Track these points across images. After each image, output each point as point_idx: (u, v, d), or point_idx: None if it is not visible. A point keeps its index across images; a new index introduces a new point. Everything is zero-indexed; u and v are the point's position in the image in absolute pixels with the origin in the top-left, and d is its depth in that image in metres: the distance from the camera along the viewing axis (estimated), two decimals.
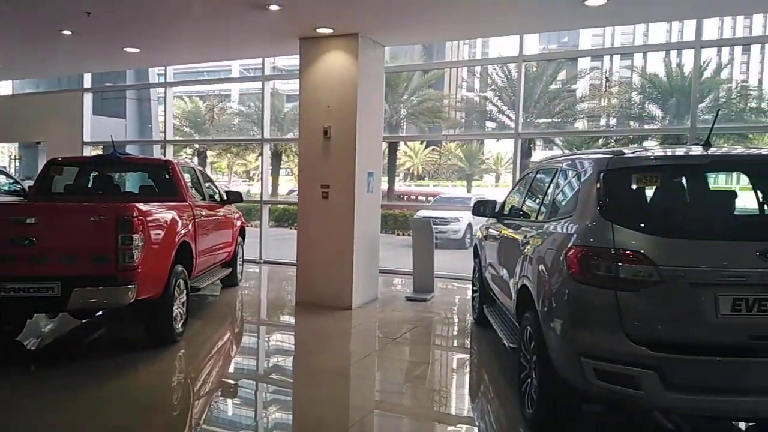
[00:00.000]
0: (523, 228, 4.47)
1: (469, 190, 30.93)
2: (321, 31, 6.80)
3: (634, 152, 3.50)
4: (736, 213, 3.48)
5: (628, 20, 8.15)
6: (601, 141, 23.04)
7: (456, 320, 6.58)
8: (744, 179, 3.69)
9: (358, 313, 6.72)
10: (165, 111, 11.83)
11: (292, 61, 8.04)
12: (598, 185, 3.31)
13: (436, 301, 7.38)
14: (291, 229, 19.64)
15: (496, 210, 5.57)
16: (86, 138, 12.74)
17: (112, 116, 14.73)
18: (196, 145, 26.22)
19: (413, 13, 6.24)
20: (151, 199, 5.67)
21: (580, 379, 3.03)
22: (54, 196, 6.05)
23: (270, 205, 10.99)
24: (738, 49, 32.25)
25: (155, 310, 5.03)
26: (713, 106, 19.55)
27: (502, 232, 5.09)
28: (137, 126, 15.59)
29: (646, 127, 21.87)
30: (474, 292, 6.38)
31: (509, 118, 23.89)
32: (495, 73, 23.69)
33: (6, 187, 8.82)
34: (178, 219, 5.46)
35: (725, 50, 25.71)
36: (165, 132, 11.71)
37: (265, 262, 10.33)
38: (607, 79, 23.89)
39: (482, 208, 5.69)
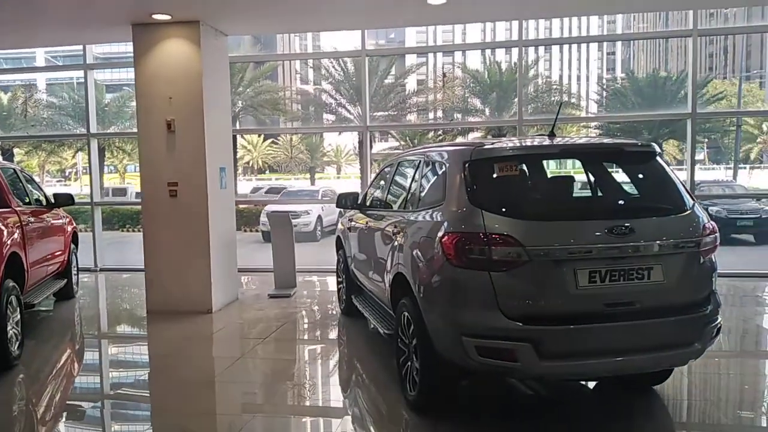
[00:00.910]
0: (390, 218, 4.61)
1: (312, 183, 31.01)
2: (157, 17, 6.31)
3: (492, 144, 3.78)
4: (588, 195, 3.94)
5: (464, 19, 8.75)
6: (431, 134, 24.58)
7: (323, 313, 6.59)
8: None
9: (219, 316, 6.41)
10: None
11: (113, 48, 7.38)
12: (464, 175, 3.53)
13: (300, 296, 7.31)
14: (123, 231, 18.14)
15: (359, 202, 5.67)
16: None
17: None
18: None
19: (252, 1, 6.07)
20: None
21: (463, 357, 3.22)
22: None
23: (101, 207, 9.96)
24: (541, 48, 36.14)
25: None
26: (529, 100, 21.86)
27: (368, 223, 5.19)
28: None
29: (473, 119, 23.75)
30: (339, 283, 6.44)
31: (348, 111, 24.40)
32: (332, 66, 23.97)
33: None
34: (3, 228, 4.74)
35: (531, 50, 28.64)
36: None
37: (101, 270, 9.38)
38: (445, 75, 25.44)
39: (345, 200, 5.76)
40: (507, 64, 24.38)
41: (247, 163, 35.82)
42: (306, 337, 5.98)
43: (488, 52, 25.79)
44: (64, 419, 4.09)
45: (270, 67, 26.32)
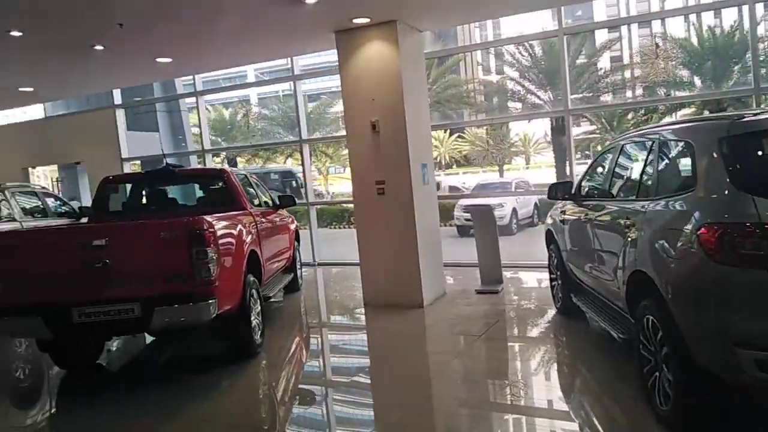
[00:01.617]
0: (616, 209, 4.16)
1: (501, 175, 30.41)
2: (357, 21, 6.53)
3: (755, 115, 3.16)
4: None
5: None
6: (630, 115, 22.44)
7: (537, 311, 6.25)
8: None
9: (431, 311, 6.46)
10: (199, 120, 11.70)
11: (311, 60, 7.78)
12: (721, 154, 2.99)
13: (508, 292, 7.08)
14: (332, 228, 19.49)
15: (573, 192, 5.26)
16: (124, 154, 12.71)
17: (146, 130, 14.71)
18: (223, 153, 26.23)
19: None
20: (211, 210, 5.49)
21: (735, 372, 2.72)
22: (113, 215, 5.92)
23: (315, 207, 10.77)
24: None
25: (235, 323, 4.85)
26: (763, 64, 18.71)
27: (587, 215, 4.77)
28: (170, 138, 15.54)
29: (681, 93, 21.12)
30: (552, 280, 6.07)
31: (538, 97, 23.41)
32: (518, 52, 23.15)
33: (56, 210, 8.77)
34: (243, 228, 5.27)
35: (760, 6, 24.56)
36: (202, 141, 11.59)
37: (319, 264, 10.15)
38: (657, 45, 23.06)
39: (557, 190, 5.38)
40: (719, 29, 21.32)
41: (435, 158, 36.41)
42: (521, 335, 5.71)
43: (692, 17, 22.72)
44: (297, 402, 4.46)
45: (454, 61, 26.33)
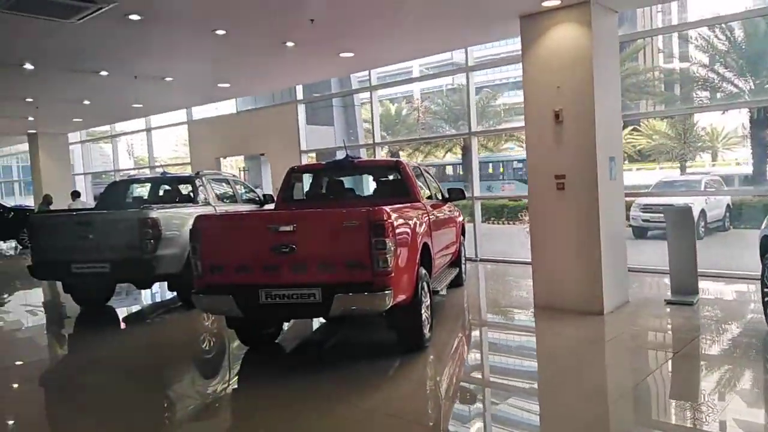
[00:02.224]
0: None
1: (683, 171, 27.42)
2: (547, 4, 6.11)
3: None
4: None
5: None
6: None
7: (744, 329, 5.37)
8: None
9: (613, 320, 5.89)
10: (372, 114, 12.05)
11: (480, 52, 7.40)
12: None
13: (705, 305, 6.22)
14: (491, 224, 19.03)
15: None
16: (303, 147, 13.58)
17: (322, 124, 15.60)
18: (387, 147, 26.88)
19: None
20: (386, 201, 5.52)
21: None
22: (296, 202, 6.24)
23: (479, 201, 10.51)
24: None
25: (407, 315, 4.82)
26: None
27: None
28: (344, 132, 16.32)
29: None
30: (766, 296, 5.17)
31: (735, 85, 20.61)
32: (714, 36, 20.54)
33: (244, 196, 9.56)
34: (417, 220, 5.22)
35: None
36: (373, 134, 11.92)
37: (481, 260, 9.91)
38: None
39: None
40: None
41: None
42: (728, 355, 4.93)
43: None
44: (461, 400, 4.33)
45: (636, 48, 24.21)
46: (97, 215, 7.10)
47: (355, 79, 14.89)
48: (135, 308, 8.44)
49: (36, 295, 9.40)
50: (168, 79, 9.44)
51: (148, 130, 17.59)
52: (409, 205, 5.33)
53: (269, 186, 14.31)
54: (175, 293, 7.60)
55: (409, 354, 4.97)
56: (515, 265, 9.49)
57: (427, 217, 5.65)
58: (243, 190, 9.95)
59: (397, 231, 4.52)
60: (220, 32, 6.58)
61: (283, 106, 14.31)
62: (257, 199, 9.67)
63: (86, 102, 11.41)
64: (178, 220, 7.22)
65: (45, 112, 12.47)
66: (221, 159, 15.99)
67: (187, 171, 14.18)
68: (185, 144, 18.94)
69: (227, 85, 10.21)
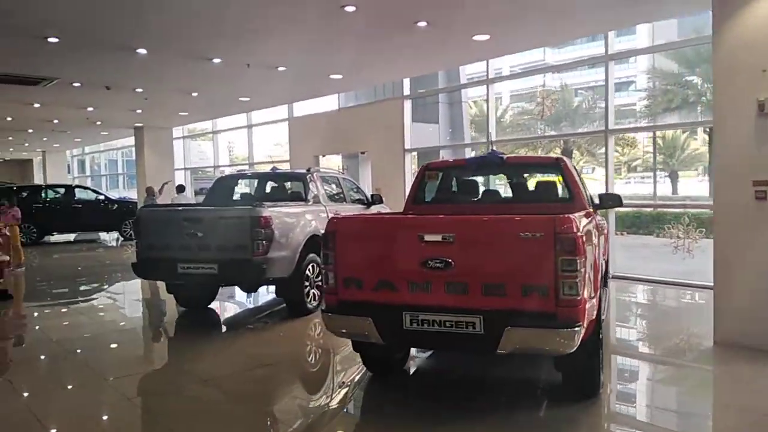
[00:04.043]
0: None
1: None
2: None
3: None
4: None
5: None
6: None
7: None
8: None
9: None
10: (487, 109, 10.99)
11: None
12: None
13: None
14: (621, 235, 17.19)
15: None
16: (407, 145, 12.73)
17: (426, 122, 14.73)
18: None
19: None
20: (545, 207, 4.50)
21: None
22: (430, 205, 5.30)
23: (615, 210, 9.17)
24: None
25: (583, 354, 3.71)
26: None
27: None
28: (449, 130, 15.37)
29: None
30: None
31: None
32: None
33: (353, 196, 8.80)
34: (596, 232, 4.14)
35: None
36: (488, 131, 10.85)
37: (613, 277, 8.58)
38: None
39: None
40: None
41: None
42: None
43: None
44: None
45: None
46: (206, 211, 6.52)
47: (464, 73, 13.90)
48: (237, 311, 7.89)
49: (137, 290, 9.11)
50: (280, 68, 8.87)
51: (249, 126, 17.44)
52: (583, 213, 4.25)
53: (367, 186, 13.58)
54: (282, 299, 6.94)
55: (577, 403, 3.91)
56: (661, 287, 8.14)
57: (599, 230, 4.55)
58: (352, 190, 9.21)
59: (586, 246, 3.47)
60: (350, 8, 5.79)
61: (386, 102, 13.54)
62: (365, 199, 8.89)
63: (194, 94, 11.14)
64: (290, 219, 6.54)
65: (153, 103, 12.39)
66: (320, 157, 15.49)
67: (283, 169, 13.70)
68: (278, 144, 18.69)
69: (339, 76, 9.51)
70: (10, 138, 19.58)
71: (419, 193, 5.33)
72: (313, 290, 6.72)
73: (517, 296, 3.38)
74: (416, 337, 3.67)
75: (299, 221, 6.68)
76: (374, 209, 8.64)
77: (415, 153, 13.34)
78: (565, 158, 5.08)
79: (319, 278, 6.82)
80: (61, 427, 3.94)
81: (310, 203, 7.26)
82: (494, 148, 5.30)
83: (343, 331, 3.90)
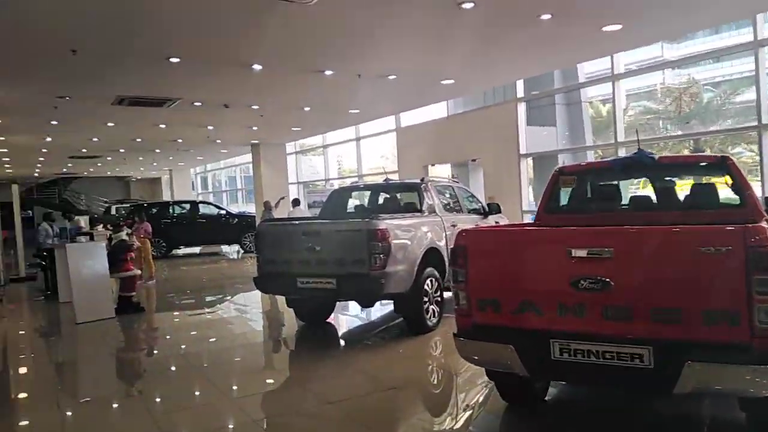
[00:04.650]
0: None
1: None
2: None
3: None
4: None
5: None
6: None
7: None
8: None
9: None
10: (614, 108, 10.10)
11: None
12: None
13: None
14: None
15: None
16: (522, 150, 12.08)
17: (542, 125, 13.99)
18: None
19: None
20: (720, 214, 3.82)
21: None
22: (566, 214, 4.74)
23: None
24: None
25: None
26: None
27: None
28: (566, 133, 14.50)
29: None
30: None
31: None
32: None
33: (469, 206, 8.36)
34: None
35: None
36: (615, 132, 9.96)
37: None
38: None
39: None
40: None
41: None
42: None
43: None
44: None
45: None
46: (323, 225, 6.40)
47: (583, 72, 12.99)
48: (353, 325, 7.72)
49: (257, 302, 9.26)
50: (391, 77, 8.67)
51: (358, 139, 17.55)
52: (765, 221, 3.52)
53: (480, 194, 13.05)
54: (400, 315, 6.63)
55: None
56: None
57: None
58: (467, 199, 8.77)
59: None
60: (467, 5, 5.41)
61: (499, 106, 12.97)
62: (481, 209, 8.41)
63: (306, 108, 11.28)
64: (406, 232, 6.24)
65: (268, 120, 12.73)
66: (429, 166, 15.18)
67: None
68: (383, 157, 18.66)
69: (451, 81, 9.15)
70: (141, 158, 21.18)
71: (552, 201, 4.78)
72: (432, 306, 6.37)
73: (697, 323, 2.79)
74: (567, 369, 3.16)
75: (416, 233, 6.37)
76: (492, 219, 8.15)
77: (530, 158, 12.65)
78: (731, 156, 4.30)
79: (438, 294, 6.49)
80: None
81: (425, 214, 6.92)
82: (640, 147, 4.57)
83: (480, 359, 3.48)
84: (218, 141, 16.68)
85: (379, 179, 10.35)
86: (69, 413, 4.65)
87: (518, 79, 11.23)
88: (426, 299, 6.29)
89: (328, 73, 8.20)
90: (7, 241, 14.51)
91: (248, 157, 19.59)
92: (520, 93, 11.93)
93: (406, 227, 6.26)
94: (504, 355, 3.23)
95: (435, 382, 5.10)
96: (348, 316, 7.83)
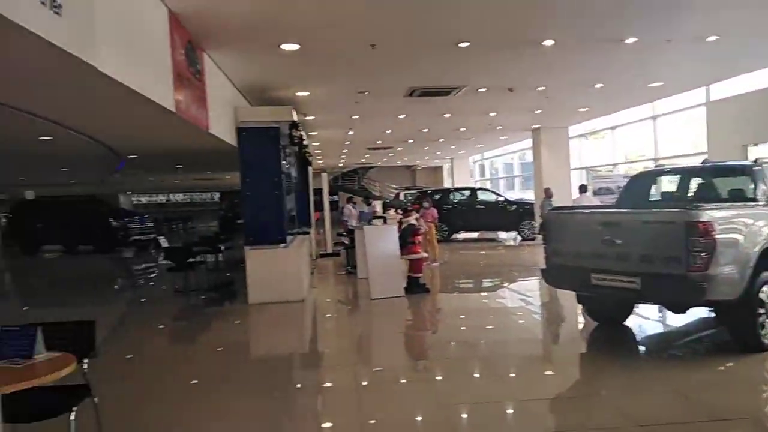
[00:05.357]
0: None
1: None
2: None
3: None
4: None
5: None
6: None
7: None
8: None
9: None
10: None
11: None
12: None
13: None
14: None
15: None
16: None
17: None
18: None
19: None
20: None
21: None
22: None
23: None
24: None
25: None
26: None
27: None
28: None
29: None
30: None
31: None
32: None
33: None
34: None
35: None
36: None
37: None
38: None
39: None
40: None
41: None
42: None
43: None
44: None
45: None
46: (625, 215, 5.59)
47: None
48: (654, 330, 6.70)
49: (537, 293, 8.81)
50: (710, 38, 7.22)
51: (654, 117, 15.53)
52: None
53: None
54: (722, 328, 5.44)
55: None
56: None
57: None
58: None
59: None
60: None
61: None
62: None
63: (598, 85, 10.25)
64: (737, 226, 5.05)
65: (553, 102, 12.02)
66: (749, 146, 12.52)
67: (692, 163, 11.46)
68: (671, 140, 16.10)
69: None
70: (426, 147, 22.38)
71: None
72: None
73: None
74: None
75: (749, 228, 5.10)
76: None
77: None
78: None
79: None
80: None
81: (760, 204, 5.54)
82: None
83: None
84: (499, 127, 16.51)
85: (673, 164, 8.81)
86: (365, 382, 4.95)
87: None
88: (762, 310, 5.01)
89: (629, 41, 7.17)
90: (318, 221, 16.87)
91: (524, 144, 19.07)
92: None
93: (735, 219, 5.07)
94: None
95: None
96: (644, 318, 6.80)
